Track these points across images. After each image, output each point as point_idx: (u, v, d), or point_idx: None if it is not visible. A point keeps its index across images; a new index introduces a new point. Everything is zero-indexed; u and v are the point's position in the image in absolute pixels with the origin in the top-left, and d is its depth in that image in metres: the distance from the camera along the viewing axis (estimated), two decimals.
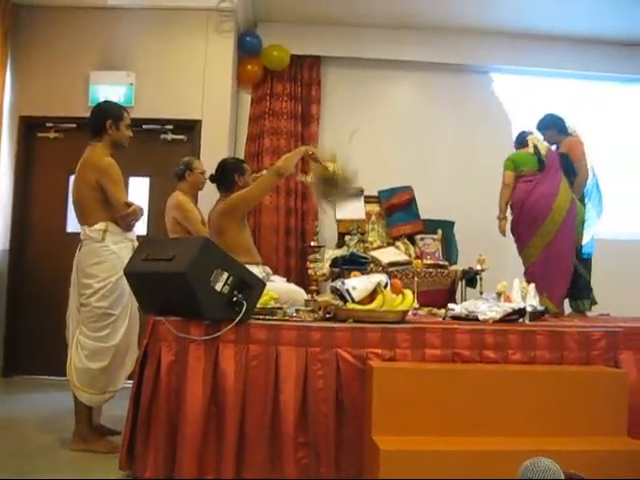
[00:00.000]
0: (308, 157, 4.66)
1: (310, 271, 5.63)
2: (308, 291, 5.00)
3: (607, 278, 5.87)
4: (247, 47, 6.76)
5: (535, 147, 5.35)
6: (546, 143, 5.46)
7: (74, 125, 6.24)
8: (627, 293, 6.31)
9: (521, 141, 5.53)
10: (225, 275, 3.08)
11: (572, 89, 7.32)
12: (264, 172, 4.84)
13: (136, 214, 3.84)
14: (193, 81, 6.37)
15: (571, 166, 5.33)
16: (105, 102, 4.29)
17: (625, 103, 7.39)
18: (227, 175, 4.50)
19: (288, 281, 4.84)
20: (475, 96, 7.19)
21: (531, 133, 5.53)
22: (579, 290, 5.30)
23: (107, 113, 3.97)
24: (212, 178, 4.59)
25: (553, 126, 5.62)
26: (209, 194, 4.94)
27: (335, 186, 4.77)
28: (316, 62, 7.04)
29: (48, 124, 6.37)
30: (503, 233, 5.34)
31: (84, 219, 3.86)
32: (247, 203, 4.39)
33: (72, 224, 6.03)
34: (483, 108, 7.17)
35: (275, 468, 3.15)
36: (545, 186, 5.19)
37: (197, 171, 5.18)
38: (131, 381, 3.41)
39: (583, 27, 6.81)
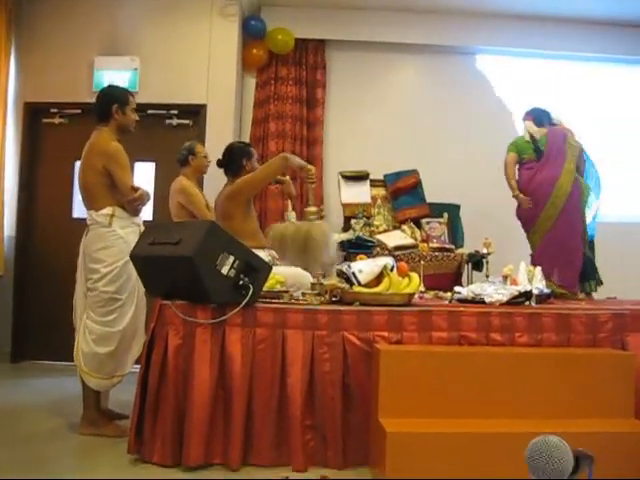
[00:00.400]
0: (305, 176, 4.52)
1: None
2: (314, 275, 5.00)
3: (611, 260, 5.86)
4: (251, 31, 6.72)
5: (531, 135, 5.38)
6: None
7: (79, 111, 6.24)
8: (632, 275, 6.29)
9: (541, 120, 5.55)
10: (231, 259, 3.09)
11: (574, 71, 7.27)
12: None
13: (143, 199, 3.83)
14: (198, 65, 6.35)
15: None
16: (110, 86, 4.27)
17: (620, 84, 7.32)
18: (234, 159, 4.48)
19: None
20: (481, 78, 7.15)
21: (528, 115, 5.63)
22: (584, 271, 5.31)
23: (113, 97, 3.96)
24: (219, 163, 4.57)
25: (531, 116, 5.65)
26: (215, 179, 4.92)
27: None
28: (321, 46, 7.00)
29: (53, 110, 6.36)
30: (527, 204, 5.35)
31: (91, 204, 3.86)
32: (252, 187, 4.38)
33: (78, 210, 6.06)
34: (489, 90, 7.13)
35: (282, 452, 3.18)
36: (545, 172, 5.26)
37: (200, 155, 5.15)
38: (138, 365, 3.41)
39: (604, 10, 6.75)
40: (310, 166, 4.44)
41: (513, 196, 5.41)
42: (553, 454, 1.58)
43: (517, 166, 5.54)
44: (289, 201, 4.72)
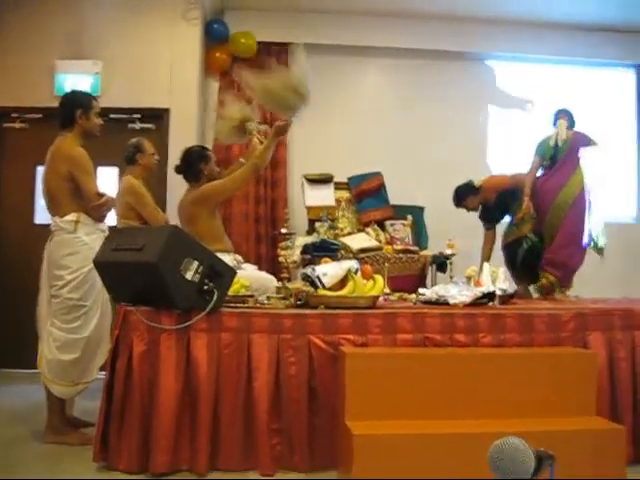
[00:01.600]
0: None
1: (281, 258, 5.57)
2: (279, 278, 4.99)
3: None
4: (214, 34, 6.70)
5: (555, 139, 5.47)
6: None
7: (40, 115, 6.17)
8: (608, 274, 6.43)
9: (572, 123, 5.64)
10: (195, 264, 3.09)
11: (558, 75, 7.39)
12: (242, 160, 4.77)
13: (108, 204, 3.82)
14: (160, 69, 6.31)
15: (511, 193, 5.57)
16: (74, 91, 4.22)
17: (612, 88, 7.47)
18: (192, 165, 4.47)
19: (259, 269, 4.84)
20: (445, 80, 7.20)
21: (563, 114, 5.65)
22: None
23: (76, 102, 3.93)
24: (177, 169, 4.55)
25: (468, 193, 5.77)
26: (178, 183, 4.89)
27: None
28: (284, 49, 6.98)
29: (13, 114, 6.28)
30: (527, 211, 5.40)
31: (55, 210, 3.82)
32: (221, 194, 4.39)
33: (40, 215, 5.97)
34: (455, 92, 7.18)
35: (249, 457, 3.18)
36: (551, 182, 5.38)
37: (148, 152, 4.94)
38: (104, 372, 3.39)
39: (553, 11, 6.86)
40: (273, 135, 4.48)
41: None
42: (514, 455, 1.61)
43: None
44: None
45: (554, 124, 5.62)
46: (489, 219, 5.84)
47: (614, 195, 7.25)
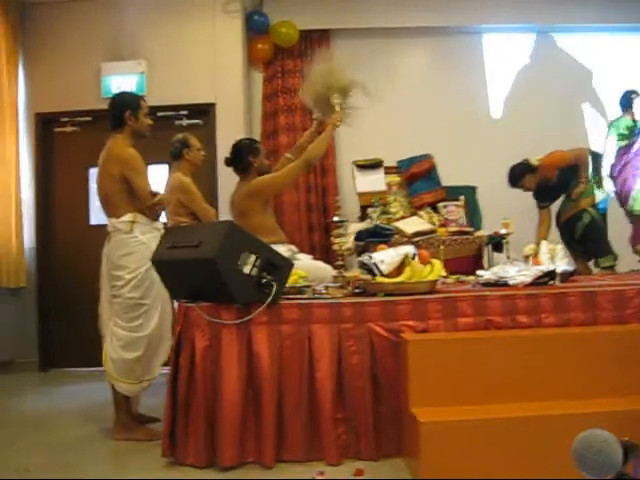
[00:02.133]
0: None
1: (335, 246, 5.57)
2: (334, 267, 4.98)
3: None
4: (255, 26, 6.70)
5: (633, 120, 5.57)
6: None
7: (89, 118, 6.29)
8: None
9: (625, 103, 5.59)
10: (252, 257, 3.09)
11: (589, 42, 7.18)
12: (287, 155, 4.75)
13: (162, 203, 3.85)
14: (204, 64, 6.36)
15: (572, 170, 5.56)
16: (122, 93, 4.26)
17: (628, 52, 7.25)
18: (241, 157, 4.47)
19: (314, 258, 4.83)
20: (490, 57, 7.09)
21: (636, 93, 5.67)
22: (602, 248, 5.35)
23: (125, 104, 3.95)
24: (227, 161, 4.56)
25: (525, 172, 5.65)
26: (227, 177, 4.90)
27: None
28: (325, 35, 6.96)
29: (63, 119, 6.41)
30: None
31: (111, 211, 3.87)
32: (273, 189, 4.40)
33: (95, 216, 6.09)
34: (499, 69, 7.06)
35: (315, 447, 3.17)
36: (626, 173, 5.62)
37: (195, 148, 4.97)
38: (168, 367, 3.43)
39: None
40: (330, 128, 4.51)
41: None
42: (602, 448, 1.55)
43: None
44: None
45: (626, 105, 5.55)
46: (547, 198, 5.74)
47: None
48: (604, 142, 5.88)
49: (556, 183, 5.56)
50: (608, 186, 5.72)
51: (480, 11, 6.84)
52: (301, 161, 4.38)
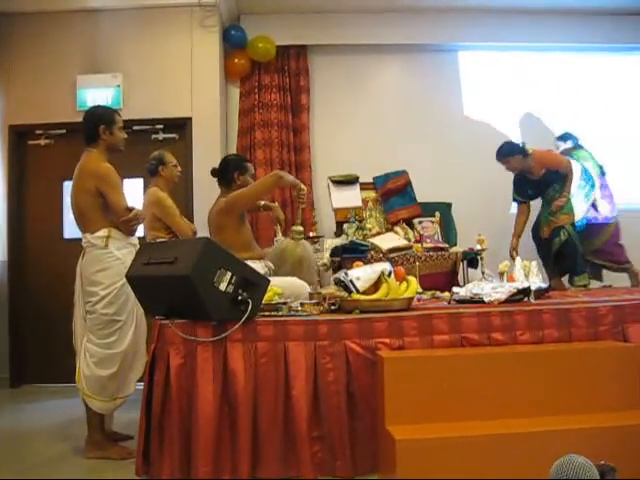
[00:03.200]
0: (296, 194, 4.53)
1: None
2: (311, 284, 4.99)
3: None
4: (232, 40, 6.72)
5: None
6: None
7: (64, 131, 6.23)
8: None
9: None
10: (229, 274, 3.07)
11: (563, 62, 7.27)
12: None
13: (138, 218, 3.82)
14: (181, 78, 6.33)
15: (557, 176, 5.65)
16: (96, 107, 4.23)
17: (603, 72, 7.34)
18: (227, 171, 4.48)
19: None
20: (466, 75, 7.16)
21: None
22: (577, 267, 5.42)
23: (99, 118, 3.93)
24: (213, 172, 4.56)
25: (517, 152, 5.70)
26: (203, 192, 4.90)
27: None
28: (302, 51, 6.99)
29: (38, 131, 6.34)
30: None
31: (86, 226, 3.83)
32: (244, 201, 4.38)
33: (69, 230, 6.03)
34: (474, 87, 7.13)
35: (291, 464, 3.16)
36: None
37: (170, 164, 4.98)
38: (142, 383, 3.40)
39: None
40: (302, 185, 4.43)
41: None
42: (579, 473, 1.56)
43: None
44: (278, 226, 4.76)
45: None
46: (523, 193, 5.82)
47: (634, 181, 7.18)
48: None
49: (537, 181, 5.65)
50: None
51: (455, 29, 6.91)
52: (273, 174, 4.45)
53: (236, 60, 6.75)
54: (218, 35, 6.48)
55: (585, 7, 6.89)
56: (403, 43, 6.98)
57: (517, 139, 6.40)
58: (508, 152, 5.67)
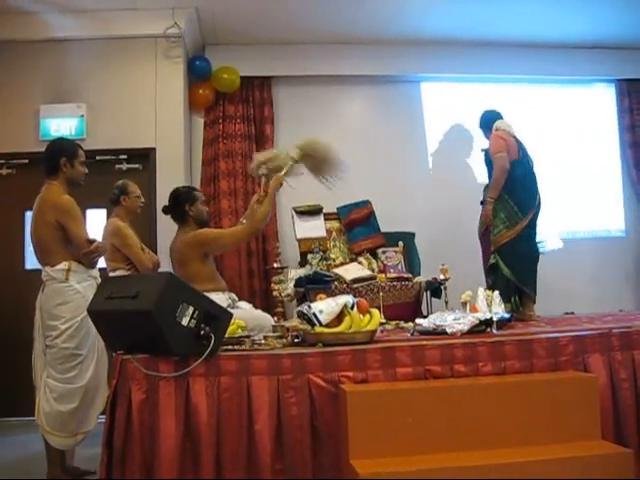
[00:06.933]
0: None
1: (275, 292, 5.60)
2: (274, 313, 4.98)
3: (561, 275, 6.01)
4: (197, 71, 6.75)
5: None
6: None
7: (26, 160, 6.18)
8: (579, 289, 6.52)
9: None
10: (191, 309, 3.05)
11: (523, 93, 7.43)
12: (242, 221, 4.79)
13: (99, 251, 3.80)
14: (145, 109, 6.33)
15: (491, 163, 5.42)
16: (58, 140, 4.22)
17: (561, 103, 7.54)
18: (178, 206, 4.48)
19: (254, 306, 4.82)
20: (428, 105, 7.25)
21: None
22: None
23: (61, 151, 3.92)
24: (165, 209, 4.56)
25: (483, 123, 5.74)
26: (167, 224, 4.88)
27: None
28: (266, 82, 7.05)
29: None
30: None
31: (46, 259, 3.80)
32: (217, 246, 4.42)
33: (31, 261, 5.94)
34: (437, 117, 7.23)
35: None
36: None
37: (133, 195, 4.97)
38: (104, 416, 3.35)
39: (526, 32, 6.91)
40: (273, 188, 4.61)
41: None
42: None
43: None
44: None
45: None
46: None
47: (602, 210, 7.34)
48: None
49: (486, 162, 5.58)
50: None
51: (417, 61, 7.04)
52: (249, 227, 4.49)
53: (200, 90, 6.78)
54: (183, 66, 6.50)
55: (545, 41, 7.05)
56: (366, 74, 7.08)
57: (480, 168, 6.48)
58: (480, 123, 5.79)
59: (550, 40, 7.04)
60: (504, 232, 5.22)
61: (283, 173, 4.54)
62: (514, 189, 5.26)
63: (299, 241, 6.00)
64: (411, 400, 3.02)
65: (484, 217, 5.35)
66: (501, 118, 5.66)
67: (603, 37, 7.05)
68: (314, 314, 3.40)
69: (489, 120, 5.65)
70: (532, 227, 5.29)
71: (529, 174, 5.39)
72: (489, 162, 5.45)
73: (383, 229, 6.13)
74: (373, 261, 5.74)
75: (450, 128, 7.21)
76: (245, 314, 3.95)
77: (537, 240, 5.39)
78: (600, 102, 7.61)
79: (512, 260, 5.20)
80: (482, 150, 5.63)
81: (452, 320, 3.71)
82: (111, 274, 4.62)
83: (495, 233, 5.27)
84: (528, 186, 5.36)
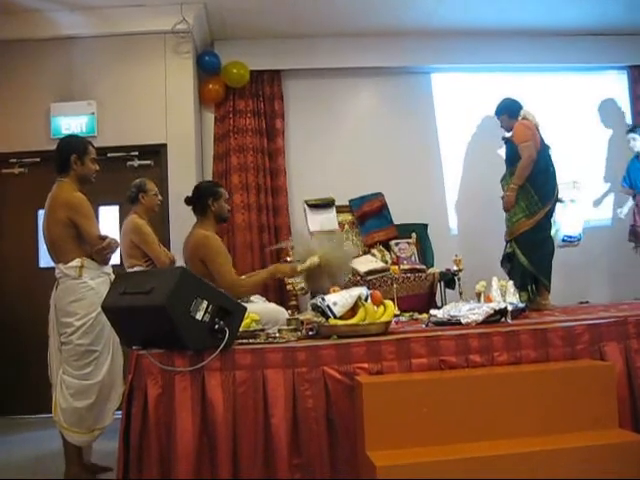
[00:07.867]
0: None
1: (288, 286, 5.62)
2: (287, 307, 4.98)
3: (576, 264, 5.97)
4: (206, 66, 6.74)
5: None
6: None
7: (38, 159, 6.21)
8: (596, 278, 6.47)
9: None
10: (205, 303, 3.05)
11: (535, 82, 7.36)
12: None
13: (111, 247, 3.80)
14: (155, 105, 6.34)
15: (514, 151, 5.35)
16: (69, 137, 4.23)
17: (574, 92, 7.49)
18: (201, 198, 4.46)
19: (267, 299, 4.83)
20: (438, 97, 7.23)
21: None
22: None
23: (71, 148, 3.92)
24: (187, 200, 4.55)
25: (505, 111, 5.60)
26: (182, 218, 4.88)
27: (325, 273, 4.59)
28: (276, 76, 7.04)
29: (12, 160, 6.32)
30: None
31: (59, 257, 3.81)
32: (213, 270, 4.30)
33: (44, 259, 5.97)
34: (448, 108, 7.19)
35: None
36: None
37: (151, 193, 5.05)
38: (120, 411, 3.35)
39: (538, 20, 6.86)
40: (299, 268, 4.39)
41: None
42: None
43: None
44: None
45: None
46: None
47: (616, 198, 7.29)
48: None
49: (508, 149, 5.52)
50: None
51: (428, 52, 7.00)
52: (270, 271, 4.54)
53: (210, 86, 6.77)
54: (192, 61, 6.50)
55: (557, 29, 7.02)
56: (376, 66, 7.05)
57: (492, 158, 6.44)
58: (502, 110, 5.63)
59: (562, 28, 6.99)
60: (523, 220, 5.23)
61: (300, 269, 4.40)
62: (537, 179, 5.27)
63: (311, 234, 5.99)
64: (426, 391, 3.01)
65: (506, 203, 5.31)
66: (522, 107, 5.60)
67: (615, 24, 6.98)
68: (328, 306, 3.39)
69: (513, 108, 5.56)
70: (549, 217, 5.28)
71: (551, 165, 5.40)
72: (511, 150, 5.42)
73: (396, 221, 6.12)
74: (386, 253, 5.74)
75: (461, 119, 7.17)
76: (259, 308, 3.95)
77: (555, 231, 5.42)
78: (612, 89, 7.55)
79: (529, 249, 5.21)
80: (503, 139, 5.57)
81: (467, 311, 3.70)
82: (129, 271, 4.64)
83: (514, 221, 5.27)
84: (550, 177, 5.37)
